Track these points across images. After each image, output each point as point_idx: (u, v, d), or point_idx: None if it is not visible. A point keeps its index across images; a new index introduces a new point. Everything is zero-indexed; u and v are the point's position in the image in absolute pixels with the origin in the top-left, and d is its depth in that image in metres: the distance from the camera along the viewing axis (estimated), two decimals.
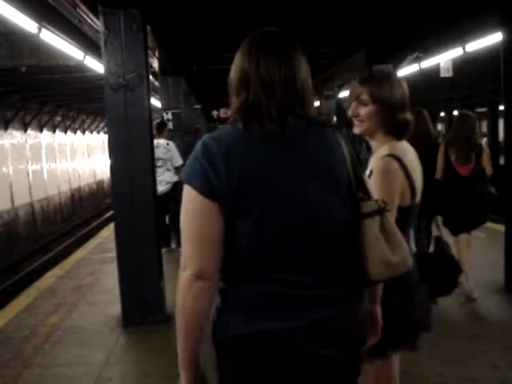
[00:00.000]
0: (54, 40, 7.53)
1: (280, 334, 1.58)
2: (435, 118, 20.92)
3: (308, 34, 8.98)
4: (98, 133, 28.94)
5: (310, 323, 1.59)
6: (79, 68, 10.15)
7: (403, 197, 2.27)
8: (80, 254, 8.94)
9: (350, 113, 2.39)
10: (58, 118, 21.45)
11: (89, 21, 5.94)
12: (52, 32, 7.21)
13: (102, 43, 5.05)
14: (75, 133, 24.72)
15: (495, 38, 7.63)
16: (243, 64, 1.67)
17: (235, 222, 1.57)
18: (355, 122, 2.38)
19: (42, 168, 19.69)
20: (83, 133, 26.25)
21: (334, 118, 6.18)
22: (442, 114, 27.37)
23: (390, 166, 2.24)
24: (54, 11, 6.29)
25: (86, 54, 8.85)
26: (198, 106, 19.55)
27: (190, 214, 1.59)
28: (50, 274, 7.62)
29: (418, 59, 11.08)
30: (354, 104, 2.37)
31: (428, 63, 11.34)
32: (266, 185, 1.57)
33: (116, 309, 5.31)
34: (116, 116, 5.04)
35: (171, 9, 6.92)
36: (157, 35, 7.16)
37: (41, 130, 19.80)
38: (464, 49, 9.33)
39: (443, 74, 11.54)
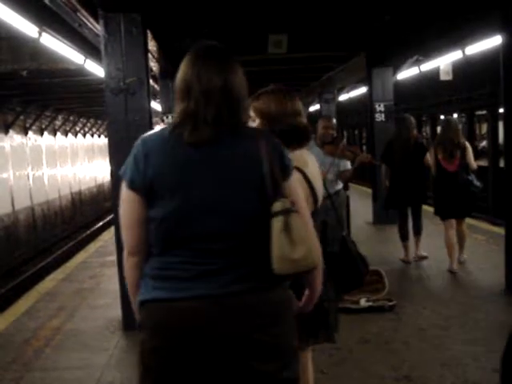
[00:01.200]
0: (54, 44, 7.54)
1: (168, 302, 1.85)
2: (435, 120, 20.94)
3: (308, 36, 9.00)
4: (99, 136, 28.95)
5: (195, 296, 1.83)
6: (80, 72, 10.16)
7: (307, 204, 2.41)
8: (81, 257, 8.95)
9: None
10: (59, 122, 21.47)
11: (89, 25, 5.96)
12: (52, 36, 7.22)
13: (102, 47, 5.07)
14: (76, 136, 24.74)
15: (495, 41, 7.65)
16: (186, 74, 1.88)
17: (148, 209, 1.88)
18: None
19: (42, 172, 19.70)
20: (84, 136, 26.27)
21: (334, 120, 6.17)
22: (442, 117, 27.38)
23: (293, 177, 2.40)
24: (55, 15, 6.30)
25: (86, 58, 8.87)
26: None
27: (122, 202, 1.93)
28: (50, 277, 7.63)
29: (417, 62, 11.10)
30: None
31: (428, 66, 11.35)
32: (172, 182, 1.84)
33: (117, 312, 5.31)
34: (116, 120, 5.05)
35: (171, 13, 6.93)
36: (157, 39, 7.19)
37: (41, 134, 19.81)
38: (464, 52, 9.35)
39: (443, 77, 11.55)
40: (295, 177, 1.99)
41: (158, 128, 2.00)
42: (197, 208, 1.85)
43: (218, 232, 1.86)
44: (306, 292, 2.19)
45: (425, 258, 7.14)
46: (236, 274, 1.86)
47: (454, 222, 6.65)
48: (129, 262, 1.98)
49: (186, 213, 1.85)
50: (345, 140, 6.29)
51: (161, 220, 1.86)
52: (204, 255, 1.86)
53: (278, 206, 1.84)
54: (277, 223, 1.83)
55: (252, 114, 2.54)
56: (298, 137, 2.57)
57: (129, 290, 2.05)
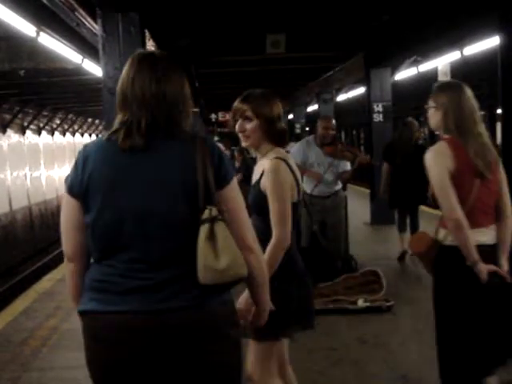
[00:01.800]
0: (52, 43, 7.53)
1: (100, 315, 1.84)
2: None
3: (306, 36, 9.00)
4: (97, 136, 28.94)
5: (128, 311, 1.80)
6: (78, 71, 10.15)
7: (292, 193, 2.60)
8: None
9: (237, 129, 2.68)
10: (57, 121, 21.45)
11: (87, 24, 5.95)
12: (50, 35, 7.21)
13: (100, 46, 5.07)
14: (73, 135, 24.72)
15: (493, 41, 7.65)
16: (123, 83, 1.89)
17: (85, 215, 1.87)
18: (242, 136, 2.69)
19: (40, 171, 19.68)
20: (82, 135, 26.26)
21: (333, 121, 6.18)
22: None
23: (279, 166, 2.59)
24: (53, 15, 6.29)
25: (84, 58, 8.85)
26: (196, 110, 19.56)
27: (61, 207, 1.94)
28: (48, 277, 7.61)
29: (415, 63, 11.10)
30: (240, 121, 2.67)
31: (426, 67, 11.36)
32: (104, 187, 1.83)
33: None
34: (113, 119, 5.04)
35: (169, 12, 6.93)
36: (155, 38, 7.17)
37: (39, 133, 19.79)
38: (462, 53, 9.35)
39: (441, 78, 11.55)
40: (235, 186, 1.93)
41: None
42: (127, 216, 1.82)
43: (149, 242, 1.81)
44: (253, 308, 2.18)
45: None
46: (170, 289, 1.81)
47: None
48: (67, 268, 1.99)
49: (116, 221, 1.83)
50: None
51: (93, 227, 1.86)
52: (137, 267, 1.82)
53: (205, 213, 1.79)
54: (202, 231, 1.78)
55: (250, 113, 2.63)
56: (281, 138, 2.73)
57: (69, 297, 2.06)
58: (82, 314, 1.91)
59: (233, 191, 1.89)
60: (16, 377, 4.28)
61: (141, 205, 1.82)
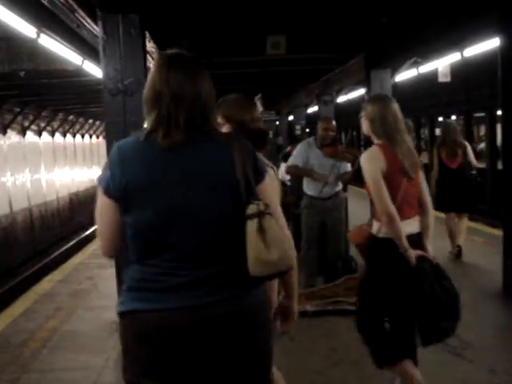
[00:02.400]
0: (52, 45, 7.53)
1: (148, 314, 1.86)
2: (434, 122, 21.02)
3: (306, 38, 8.99)
4: (97, 137, 28.92)
5: (174, 308, 1.84)
6: (78, 73, 10.15)
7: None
8: (78, 258, 8.94)
9: None
10: (57, 122, 21.44)
11: (87, 26, 5.95)
12: (50, 37, 7.21)
13: (100, 48, 5.06)
14: (74, 137, 24.71)
15: (493, 43, 7.65)
16: (155, 81, 1.91)
17: (124, 215, 1.88)
18: None
19: (40, 173, 19.67)
20: (82, 137, 26.25)
21: (334, 122, 6.20)
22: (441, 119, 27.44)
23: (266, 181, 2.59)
24: (53, 16, 6.29)
25: (84, 59, 8.85)
26: None
27: (97, 207, 1.94)
28: (48, 278, 7.61)
29: (416, 64, 11.10)
30: None
31: (426, 68, 11.36)
32: (146, 187, 1.84)
33: (114, 313, 5.24)
34: (114, 121, 5.04)
35: (170, 14, 6.93)
36: (155, 40, 7.17)
37: (40, 134, 19.79)
38: (462, 54, 9.35)
39: (441, 79, 11.55)
40: (268, 180, 2.00)
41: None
42: (171, 215, 1.85)
43: (193, 239, 1.87)
44: (282, 293, 2.24)
45: None
46: (214, 284, 1.88)
47: (454, 215, 7.32)
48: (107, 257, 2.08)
49: (159, 220, 1.85)
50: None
51: (136, 227, 1.88)
52: (180, 265, 1.87)
53: (252, 208, 1.85)
54: (252, 226, 1.84)
55: (219, 119, 2.65)
56: (259, 141, 2.72)
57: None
58: (126, 314, 1.91)
59: (268, 186, 1.98)
60: (15, 378, 4.28)
61: (184, 203, 1.85)
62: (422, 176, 3.31)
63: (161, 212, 1.85)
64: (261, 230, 1.84)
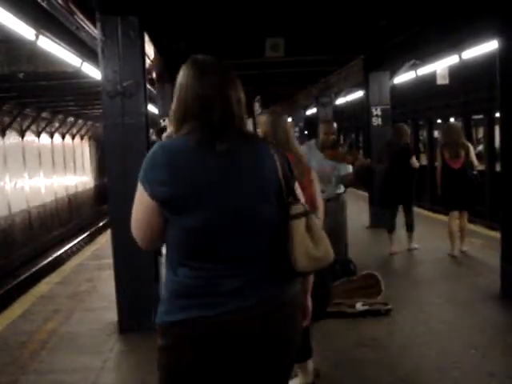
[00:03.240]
0: (51, 47, 7.53)
1: (204, 320, 1.86)
2: (432, 124, 21.02)
3: (305, 40, 9.01)
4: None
5: (233, 310, 1.87)
6: (77, 74, 10.15)
7: None
8: (77, 260, 8.93)
9: None
10: (57, 124, 21.45)
11: (86, 28, 5.96)
12: (50, 39, 7.21)
13: (99, 50, 5.07)
14: (73, 138, 24.71)
15: (491, 45, 7.67)
16: (190, 85, 1.93)
17: (173, 217, 1.89)
18: None
19: (39, 174, 19.67)
20: (81, 138, 26.24)
21: (335, 125, 6.19)
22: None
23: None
24: (52, 18, 6.30)
25: (83, 61, 8.86)
26: None
27: (137, 204, 1.94)
28: (46, 280, 7.61)
29: (414, 66, 11.12)
30: None
31: (424, 70, 11.37)
32: (196, 190, 1.86)
33: (113, 315, 5.30)
34: (113, 123, 5.05)
35: (168, 16, 6.94)
36: (154, 42, 7.18)
37: (38, 136, 19.79)
38: (460, 56, 9.37)
39: (440, 82, 11.57)
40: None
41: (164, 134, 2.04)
42: (222, 217, 1.88)
43: (243, 241, 1.91)
44: (304, 295, 2.25)
45: (416, 249, 7.95)
46: (263, 284, 1.93)
47: (457, 213, 7.50)
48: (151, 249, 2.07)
49: (210, 223, 1.87)
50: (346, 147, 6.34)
51: (186, 230, 1.88)
52: (232, 266, 1.90)
53: (299, 208, 1.96)
54: (300, 224, 1.94)
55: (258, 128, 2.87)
56: None
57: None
58: (175, 324, 1.88)
59: (297, 184, 2.08)
60: (14, 380, 4.27)
61: (235, 205, 1.89)
62: (313, 179, 3.76)
63: (211, 215, 1.87)
64: (308, 228, 1.95)
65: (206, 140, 1.89)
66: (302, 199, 2.05)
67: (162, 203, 1.87)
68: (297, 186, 2.06)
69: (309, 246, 1.94)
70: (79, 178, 25.65)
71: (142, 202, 1.92)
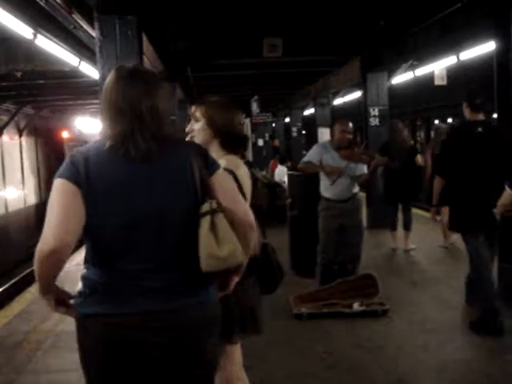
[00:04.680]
0: (49, 45, 7.52)
1: (111, 317, 1.90)
2: (429, 124, 21.05)
3: (303, 41, 9.02)
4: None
5: (140, 311, 1.90)
6: (74, 74, 10.14)
7: None
8: (74, 259, 8.91)
9: (186, 131, 2.87)
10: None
11: (84, 27, 5.95)
12: (47, 38, 7.20)
13: (97, 49, 5.06)
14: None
15: (488, 47, 7.68)
16: (115, 96, 1.99)
17: (87, 217, 1.89)
18: (190, 138, 2.81)
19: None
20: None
21: (351, 124, 6.01)
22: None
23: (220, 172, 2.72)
24: (50, 17, 6.29)
25: (81, 60, 8.84)
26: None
27: (56, 195, 1.90)
28: None
29: (412, 67, 11.12)
30: (190, 122, 2.86)
31: (422, 71, 11.37)
32: (111, 191, 1.90)
33: None
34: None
35: (166, 15, 6.94)
36: (152, 41, 7.18)
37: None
38: (458, 57, 9.37)
39: (437, 82, 11.58)
40: (224, 173, 2.12)
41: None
42: (138, 218, 1.92)
43: (159, 241, 1.94)
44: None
45: (413, 249, 8.04)
46: (179, 287, 1.96)
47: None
48: (52, 259, 1.87)
49: (126, 223, 1.91)
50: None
51: (99, 229, 1.92)
52: (146, 268, 1.93)
53: (205, 206, 1.95)
54: (205, 223, 1.93)
55: (198, 114, 2.82)
56: (237, 144, 2.85)
57: (44, 291, 2.06)
58: (90, 316, 1.94)
59: (222, 176, 2.08)
60: (10, 380, 4.26)
61: (150, 205, 1.92)
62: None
63: (127, 215, 1.91)
64: (213, 227, 1.93)
65: (116, 145, 1.93)
66: (222, 195, 2.01)
67: (80, 189, 1.88)
68: (217, 177, 2.04)
69: (211, 244, 1.92)
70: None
71: (62, 191, 1.90)
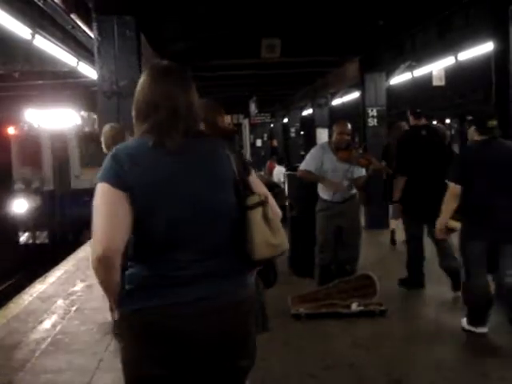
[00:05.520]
0: (47, 46, 7.52)
1: (161, 309, 1.94)
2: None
3: (301, 41, 9.02)
4: None
5: (189, 301, 1.95)
6: (73, 74, 10.14)
7: None
8: (72, 260, 8.91)
9: None
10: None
11: (82, 27, 5.96)
12: (46, 38, 7.20)
13: (95, 49, 5.07)
14: None
15: (487, 47, 7.69)
16: (150, 93, 2.04)
17: (137, 214, 1.92)
18: None
19: None
20: None
21: (349, 125, 6.00)
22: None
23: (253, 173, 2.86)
24: (48, 17, 6.29)
25: (79, 60, 8.85)
26: None
27: (105, 202, 1.92)
28: (41, 280, 7.58)
29: (410, 67, 11.13)
30: None
31: (420, 72, 11.38)
32: (157, 186, 1.94)
33: (107, 315, 5.28)
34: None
35: (165, 16, 6.94)
36: (150, 42, 7.18)
37: None
38: (456, 58, 9.39)
39: (435, 83, 11.58)
40: (254, 173, 2.19)
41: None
42: (183, 213, 1.96)
43: (204, 233, 2.00)
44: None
45: None
46: (222, 277, 2.01)
47: None
48: (103, 267, 1.93)
49: (174, 218, 1.95)
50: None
51: (150, 224, 1.94)
52: (194, 258, 1.98)
53: (255, 199, 2.05)
54: (257, 214, 2.03)
55: None
56: (229, 140, 2.94)
57: (112, 296, 2.04)
58: (138, 311, 1.95)
59: (253, 173, 2.17)
60: (8, 381, 4.26)
61: (191, 199, 1.98)
62: None
63: (171, 211, 1.94)
64: (265, 217, 2.05)
65: (156, 140, 1.97)
66: (261, 190, 2.12)
67: (126, 193, 1.90)
68: (253, 177, 2.14)
69: (266, 233, 2.03)
70: None
71: (108, 197, 1.92)
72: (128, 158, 1.94)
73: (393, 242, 8.44)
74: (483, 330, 4.65)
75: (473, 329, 4.68)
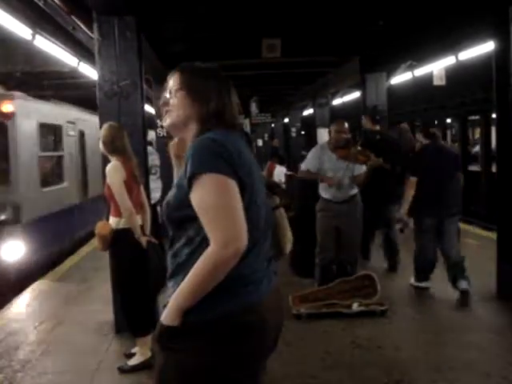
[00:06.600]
0: (48, 46, 7.53)
1: (256, 304, 1.94)
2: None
3: (302, 41, 9.01)
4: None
5: (268, 290, 2.00)
6: (73, 74, 10.14)
7: None
8: (73, 260, 8.92)
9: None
10: None
11: (83, 27, 5.96)
12: (46, 38, 7.21)
13: (96, 50, 5.06)
14: None
15: (487, 47, 7.68)
16: (215, 92, 2.06)
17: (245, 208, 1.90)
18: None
19: None
20: None
21: (346, 124, 6.03)
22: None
23: None
24: (49, 18, 6.30)
25: (80, 61, 8.85)
26: None
27: (223, 191, 1.84)
28: (41, 280, 7.59)
29: (411, 67, 11.13)
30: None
31: (421, 71, 11.38)
32: (253, 177, 1.97)
33: (108, 316, 5.30)
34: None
35: (165, 16, 6.94)
36: (151, 42, 7.18)
37: None
38: (457, 57, 9.38)
39: (436, 83, 11.58)
40: None
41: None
42: (264, 206, 2.05)
43: (268, 225, 2.09)
44: None
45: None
46: (271, 268, 2.10)
47: None
48: (234, 262, 1.83)
49: (260, 210, 2.00)
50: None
51: (253, 219, 1.92)
52: (267, 255, 2.06)
53: (275, 200, 2.25)
54: (280, 213, 2.25)
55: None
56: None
57: (205, 288, 1.87)
58: (254, 305, 1.93)
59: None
60: (9, 381, 4.26)
61: (263, 194, 2.08)
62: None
63: (262, 202, 2.02)
64: (283, 217, 2.26)
65: (236, 131, 2.05)
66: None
67: (237, 183, 1.87)
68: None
69: (289, 231, 2.26)
70: None
71: (229, 188, 1.85)
72: (235, 149, 1.91)
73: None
74: (427, 284, 6.13)
75: (420, 284, 6.15)
